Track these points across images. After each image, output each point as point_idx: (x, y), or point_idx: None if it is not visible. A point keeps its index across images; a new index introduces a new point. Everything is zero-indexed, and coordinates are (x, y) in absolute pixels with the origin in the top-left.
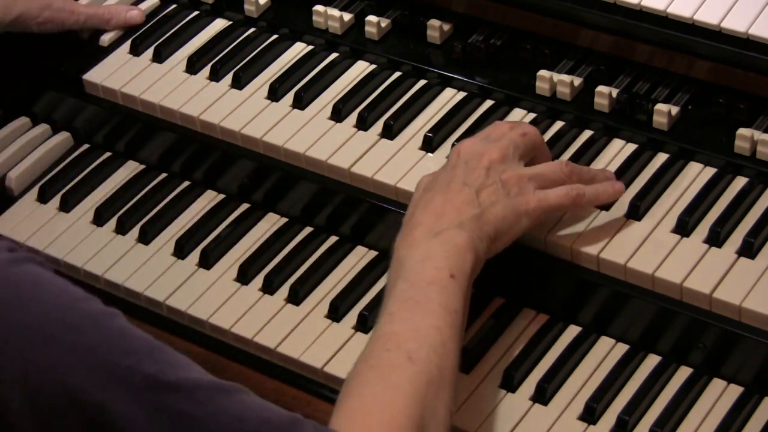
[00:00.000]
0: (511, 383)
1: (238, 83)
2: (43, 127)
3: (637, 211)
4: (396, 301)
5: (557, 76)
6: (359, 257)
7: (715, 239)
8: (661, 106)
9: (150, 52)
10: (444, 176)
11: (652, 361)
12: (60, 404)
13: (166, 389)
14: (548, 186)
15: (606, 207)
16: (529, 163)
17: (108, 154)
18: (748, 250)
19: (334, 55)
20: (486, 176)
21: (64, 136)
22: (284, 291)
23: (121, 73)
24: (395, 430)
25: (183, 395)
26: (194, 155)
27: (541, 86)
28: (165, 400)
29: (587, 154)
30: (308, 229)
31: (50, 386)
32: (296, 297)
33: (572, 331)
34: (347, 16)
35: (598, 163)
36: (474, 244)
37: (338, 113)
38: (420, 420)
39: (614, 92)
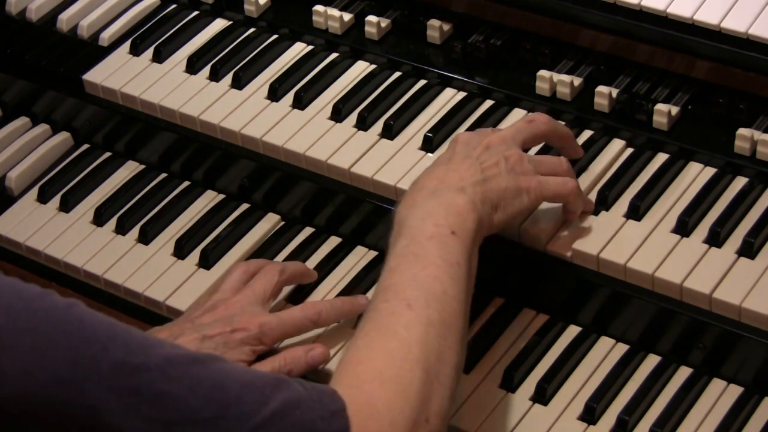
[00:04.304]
0: (511, 383)
1: (238, 83)
2: (43, 127)
3: (637, 211)
4: (396, 257)
5: (557, 76)
6: (359, 257)
7: (715, 239)
8: (661, 106)
9: (150, 52)
10: (444, 155)
11: (652, 361)
12: (36, 411)
13: (137, 371)
14: (547, 174)
15: (606, 207)
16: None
17: (108, 154)
18: (748, 250)
19: (334, 55)
20: (488, 153)
21: (64, 136)
22: (285, 291)
23: (121, 73)
24: (390, 376)
25: (156, 374)
26: (194, 155)
27: (541, 86)
28: (138, 382)
29: (587, 154)
30: (308, 229)
31: (23, 393)
32: (297, 297)
33: (572, 331)
34: (347, 16)
35: (598, 163)
36: (475, 207)
37: (338, 113)
38: (423, 364)
39: (614, 92)
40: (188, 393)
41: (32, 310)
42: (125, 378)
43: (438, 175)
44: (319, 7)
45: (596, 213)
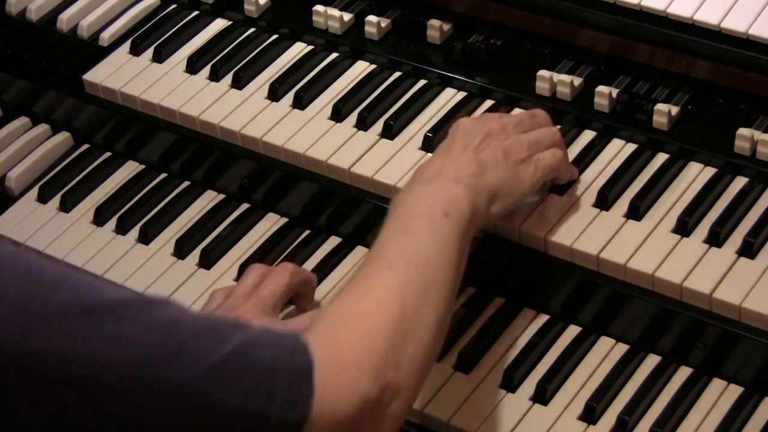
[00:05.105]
0: (511, 383)
1: (238, 83)
2: (43, 127)
3: (637, 211)
4: (385, 230)
5: (557, 76)
6: (359, 257)
7: (715, 239)
8: (661, 106)
9: (150, 52)
10: (444, 145)
11: (652, 361)
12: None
13: (87, 313)
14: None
15: (606, 207)
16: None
17: (108, 154)
18: (748, 250)
19: (334, 55)
20: (487, 142)
21: (64, 136)
22: None
23: (121, 73)
24: (358, 322)
25: (107, 315)
26: (194, 155)
27: (541, 86)
28: (89, 325)
29: (587, 154)
30: (308, 230)
31: None
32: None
33: (572, 331)
34: (347, 16)
35: (598, 163)
36: (471, 198)
37: (338, 113)
38: (396, 314)
39: (614, 92)
40: (142, 333)
41: None
42: (74, 320)
43: (435, 167)
44: (319, 7)
45: (596, 213)
